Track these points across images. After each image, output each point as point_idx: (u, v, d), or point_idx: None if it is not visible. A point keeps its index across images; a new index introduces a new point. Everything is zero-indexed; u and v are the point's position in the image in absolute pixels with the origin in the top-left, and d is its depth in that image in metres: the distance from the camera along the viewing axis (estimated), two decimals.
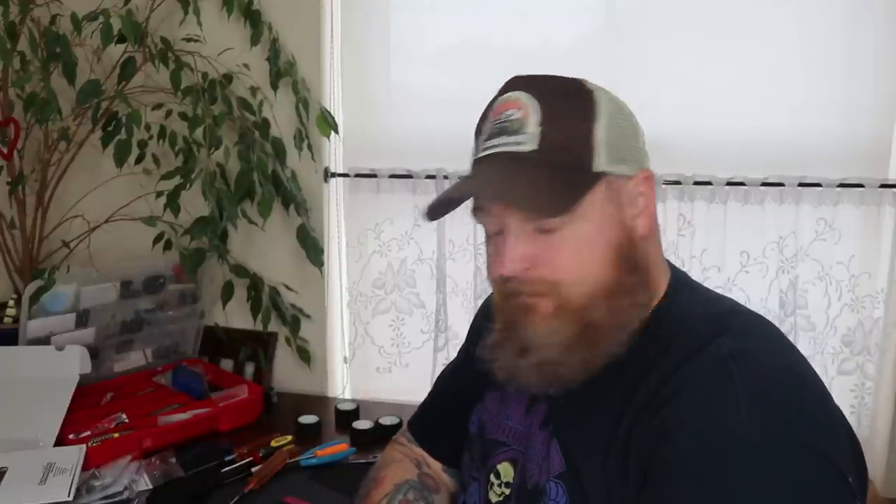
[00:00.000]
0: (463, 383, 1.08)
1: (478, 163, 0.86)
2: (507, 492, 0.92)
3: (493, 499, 0.93)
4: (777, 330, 0.87)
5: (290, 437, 1.69)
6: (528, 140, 0.82)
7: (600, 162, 0.82)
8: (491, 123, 0.86)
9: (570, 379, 0.83)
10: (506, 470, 0.93)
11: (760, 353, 0.79)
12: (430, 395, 1.20)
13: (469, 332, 1.15)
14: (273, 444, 1.67)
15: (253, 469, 1.57)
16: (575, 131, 0.82)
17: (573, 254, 0.81)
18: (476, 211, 0.87)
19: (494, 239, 0.86)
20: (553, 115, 0.82)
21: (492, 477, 0.95)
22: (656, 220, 0.89)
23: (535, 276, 0.82)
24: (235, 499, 1.46)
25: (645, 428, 0.77)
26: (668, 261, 0.94)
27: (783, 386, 0.76)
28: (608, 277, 0.82)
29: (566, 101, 0.84)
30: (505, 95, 0.86)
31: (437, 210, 0.87)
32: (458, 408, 1.07)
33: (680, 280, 0.92)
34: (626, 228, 0.84)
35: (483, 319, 0.99)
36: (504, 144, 0.83)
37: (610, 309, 0.82)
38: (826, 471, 0.72)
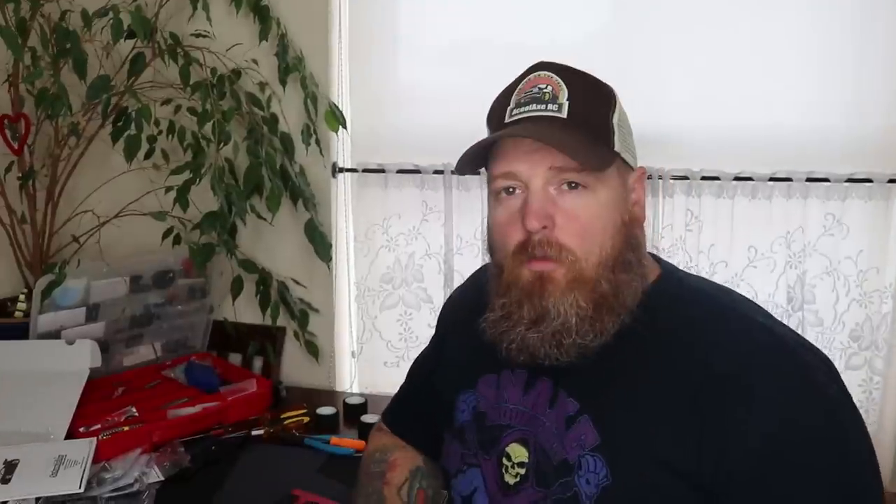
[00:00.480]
0: (436, 373, 1.12)
1: (508, 126, 0.90)
2: (523, 472, 0.93)
3: (510, 480, 0.94)
4: None
5: (303, 410, 1.77)
6: (559, 110, 0.87)
7: (617, 143, 0.89)
8: (519, 96, 0.90)
9: (585, 348, 0.87)
10: (516, 451, 0.95)
11: (778, 321, 0.91)
12: (404, 385, 1.23)
13: (442, 322, 1.17)
14: (283, 417, 1.74)
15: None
16: (597, 111, 0.89)
17: (589, 219, 0.86)
18: (498, 174, 0.89)
19: (508, 203, 0.89)
20: (578, 94, 0.88)
21: (504, 460, 0.96)
22: (645, 214, 0.96)
23: (553, 238, 0.86)
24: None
25: (713, 402, 0.81)
26: (651, 253, 1.00)
27: (813, 347, 0.89)
28: (614, 251, 0.87)
29: (589, 86, 0.91)
30: (534, 74, 0.91)
31: (471, 162, 0.92)
32: (433, 397, 1.10)
33: (671, 265, 1.00)
34: (629, 211, 0.91)
35: (461, 301, 1.06)
36: (538, 110, 0.88)
37: (614, 282, 0.87)
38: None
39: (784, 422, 0.79)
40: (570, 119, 0.87)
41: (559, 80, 0.89)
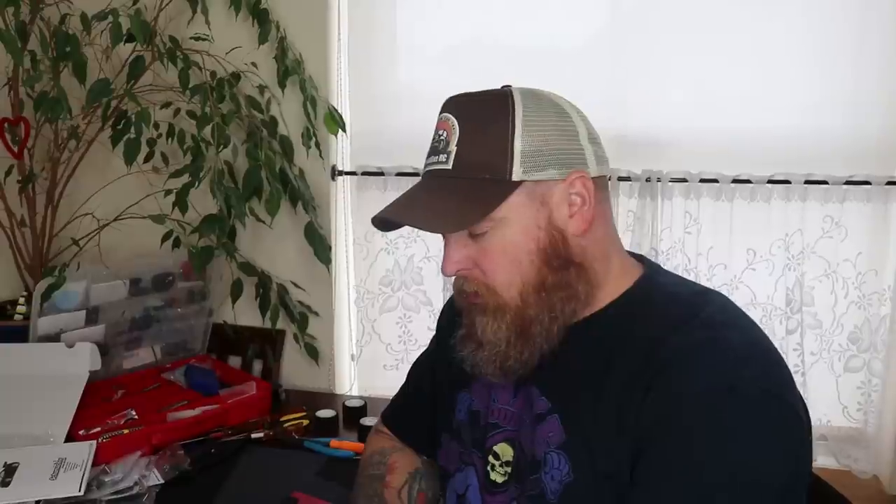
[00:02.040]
0: (434, 374, 1.14)
1: (421, 179, 0.95)
2: (510, 470, 0.96)
3: (498, 479, 0.97)
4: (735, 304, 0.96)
5: (302, 413, 1.76)
6: (447, 160, 0.90)
7: (517, 172, 0.87)
8: (431, 143, 0.94)
9: (518, 368, 0.91)
10: (503, 450, 0.98)
11: (738, 319, 0.89)
12: (403, 387, 1.26)
13: (440, 323, 1.19)
14: (282, 420, 1.74)
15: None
16: (490, 146, 0.88)
17: (499, 256, 0.89)
18: None
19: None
20: (470, 134, 0.89)
21: (491, 458, 0.99)
22: (603, 215, 0.93)
23: (472, 276, 0.92)
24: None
25: (641, 393, 0.83)
26: (637, 254, 1.01)
27: (764, 349, 0.86)
28: (537, 275, 0.89)
29: (484, 119, 0.89)
30: (439, 116, 0.94)
31: (381, 225, 0.98)
32: (431, 398, 1.13)
33: (655, 268, 1.00)
34: (556, 228, 0.89)
35: (453, 310, 1.06)
36: (433, 163, 0.92)
37: (543, 303, 0.89)
38: (800, 423, 0.83)
39: (676, 396, 0.81)
40: (454, 169, 0.89)
41: (454, 121, 0.90)
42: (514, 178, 0.87)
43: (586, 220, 0.90)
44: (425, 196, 0.92)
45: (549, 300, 0.89)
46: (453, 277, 0.95)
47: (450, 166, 0.89)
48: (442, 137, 0.91)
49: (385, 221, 0.96)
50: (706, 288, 0.97)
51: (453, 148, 0.89)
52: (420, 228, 0.93)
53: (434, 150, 0.92)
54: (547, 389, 0.93)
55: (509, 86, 0.92)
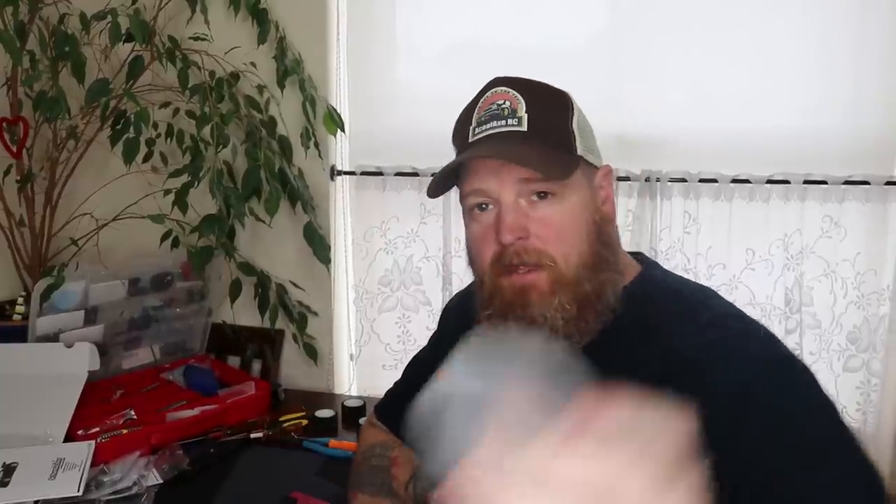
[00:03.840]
0: (433, 369, 1.11)
1: (472, 145, 0.92)
2: None
3: None
4: None
5: (301, 413, 1.76)
6: (519, 123, 0.89)
7: (579, 147, 0.91)
8: (480, 114, 0.92)
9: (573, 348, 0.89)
10: None
11: (749, 322, 0.90)
12: (400, 381, 1.27)
13: (441, 324, 1.20)
14: (281, 420, 1.75)
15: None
16: (556, 119, 0.91)
17: (562, 225, 0.89)
18: (468, 192, 0.92)
19: (482, 218, 0.91)
20: (536, 105, 0.90)
21: None
22: (615, 210, 0.97)
23: (530, 246, 0.88)
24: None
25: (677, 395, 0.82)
26: (632, 251, 1.03)
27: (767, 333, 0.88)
28: (591, 250, 0.90)
29: (546, 96, 0.92)
30: (491, 91, 0.93)
31: (441, 184, 0.94)
32: None
33: (653, 264, 1.02)
34: (599, 210, 0.93)
35: (461, 306, 1.06)
36: (499, 126, 0.90)
37: (595, 281, 0.89)
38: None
39: (744, 383, 0.80)
40: (530, 131, 0.89)
41: (516, 93, 0.91)
42: (578, 152, 0.90)
43: (612, 209, 0.95)
44: (511, 146, 0.89)
45: (600, 277, 0.90)
46: (499, 255, 0.90)
47: (524, 129, 0.89)
48: (504, 106, 0.91)
49: (444, 183, 0.94)
50: (702, 284, 1.00)
51: (523, 114, 0.89)
52: (532, 169, 0.86)
53: (496, 116, 0.90)
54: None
55: None
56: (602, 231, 0.91)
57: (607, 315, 0.90)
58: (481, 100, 0.93)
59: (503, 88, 0.92)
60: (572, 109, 0.92)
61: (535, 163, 0.86)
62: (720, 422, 0.78)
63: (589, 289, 0.88)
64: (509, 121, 0.89)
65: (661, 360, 0.86)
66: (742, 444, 0.78)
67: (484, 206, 0.91)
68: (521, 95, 0.90)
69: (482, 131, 0.91)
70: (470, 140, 0.92)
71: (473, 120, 0.93)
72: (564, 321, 0.88)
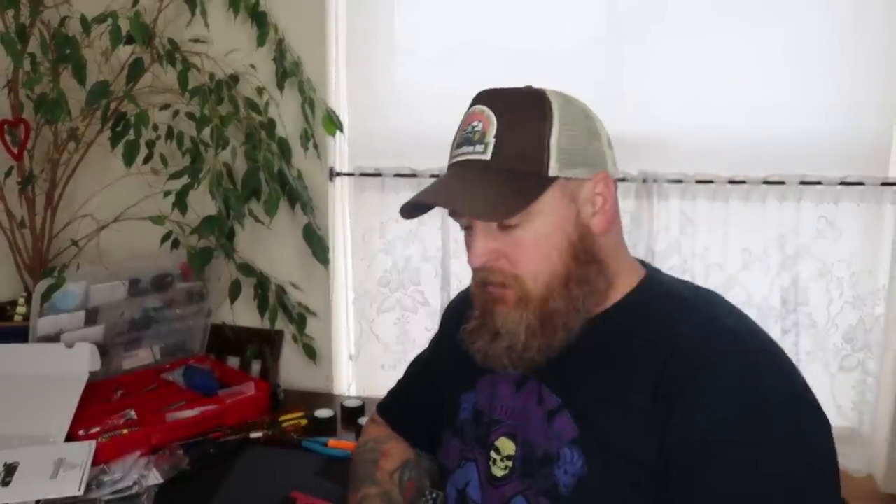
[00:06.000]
0: (434, 374, 1.17)
1: (448, 169, 0.96)
2: (511, 464, 0.98)
3: (499, 473, 0.99)
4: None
5: (300, 413, 1.77)
6: (484, 151, 0.90)
7: (553, 167, 0.89)
8: (459, 134, 0.95)
9: (536, 360, 0.93)
10: (504, 444, 1.00)
11: (749, 324, 0.92)
12: (402, 380, 1.29)
13: (443, 320, 1.22)
14: (281, 420, 1.76)
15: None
16: (529, 141, 0.90)
17: (531, 248, 0.91)
18: (450, 212, 0.97)
19: (466, 234, 0.96)
20: (509, 127, 0.90)
21: (492, 453, 1.01)
22: (617, 216, 0.97)
23: (498, 267, 0.92)
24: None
25: (665, 404, 0.85)
26: (640, 259, 1.04)
27: (778, 352, 0.89)
28: (564, 269, 0.91)
29: (522, 114, 0.91)
30: (471, 108, 0.94)
31: (410, 210, 0.97)
32: (430, 393, 1.16)
33: (656, 271, 1.03)
34: (583, 225, 0.92)
35: (461, 306, 1.08)
36: (467, 153, 0.92)
37: (567, 297, 0.91)
38: (824, 419, 0.87)
39: (722, 421, 0.82)
40: (493, 161, 0.89)
41: (490, 113, 0.91)
42: (551, 173, 0.89)
43: (608, 219, 0.94)
44: (463, 184, 0.91)
45: (572, 294, 0.91)
46: (474, 270, 0.96)
47: (488, 157, 0.90)
48: (476, 129, 0.92)
49: (414, 207, 0.96)
50: (704, 288, 1.01)
51: (491, 139, 0.90)
52: (467, 214, 0.92)
53: (467, 141, 0.92)
54: (556, 385, 0.95)
55: (530, 86, 0.95)
56: (583, 247, 0.92)
57: (581, 328, 0.92)
58: (465, 117, 0.95)
59: (480, 107, 0.92)
60: (551, 122, 0.90)
61: (480, 208, 0.89)
62: (695, 447, 0.83)
63: (560, 305, 0.91)
64: (476, 147, 0.91)
65: (651, 372, 0.87)
66: (709, 482, 0.81)
67: (466, 227, 0.96)
68: (496, 115, 0.90)
69: (455, 156, 0.94)
70: (448, 164, 0.96)
71: (454, 140, 0.95)
72: (528, 334, 0.91)
